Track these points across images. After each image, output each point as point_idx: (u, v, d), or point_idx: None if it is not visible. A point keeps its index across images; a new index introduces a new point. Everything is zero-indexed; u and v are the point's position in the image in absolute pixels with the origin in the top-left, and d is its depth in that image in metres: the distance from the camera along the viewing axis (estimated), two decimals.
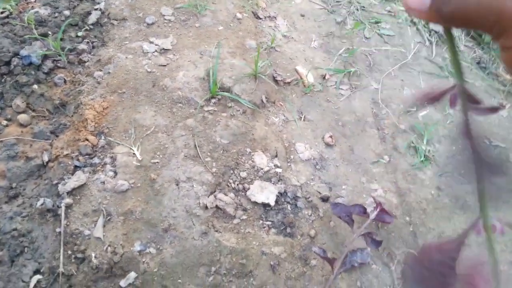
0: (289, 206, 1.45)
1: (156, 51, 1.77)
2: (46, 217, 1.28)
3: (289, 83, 1.84)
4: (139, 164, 1.39)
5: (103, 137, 1.46)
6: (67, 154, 1.40)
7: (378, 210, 1.40)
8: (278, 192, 1.45)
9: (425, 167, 1.69)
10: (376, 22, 2.28)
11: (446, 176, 1.68)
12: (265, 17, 2.15)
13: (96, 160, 1.40)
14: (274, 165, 1.52)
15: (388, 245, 1.46)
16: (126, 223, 1.28)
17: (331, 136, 1.69)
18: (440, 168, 1.70)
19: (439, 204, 1.59)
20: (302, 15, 2.23)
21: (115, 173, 1.37)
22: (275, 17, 2.17)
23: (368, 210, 1.41)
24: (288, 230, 1.39)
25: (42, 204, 1.29)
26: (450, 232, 1.52)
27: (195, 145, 1.47)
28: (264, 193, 1.42)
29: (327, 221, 1.45)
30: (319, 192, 1.51)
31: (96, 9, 1.93)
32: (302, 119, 1.74)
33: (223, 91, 1.64)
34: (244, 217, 1.37)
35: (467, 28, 0.33)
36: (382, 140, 1.74)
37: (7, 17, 1.84)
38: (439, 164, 1.71)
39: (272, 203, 1.41)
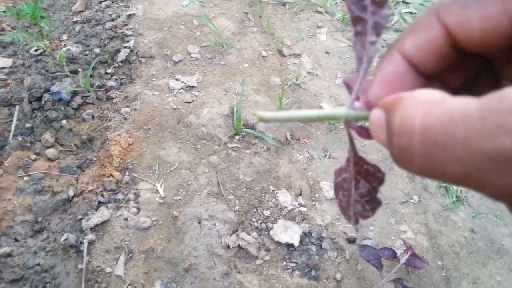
0: (314, 247, 1.40)
1: (182, 88, 1.80)
2: (69, 253, 1.28)
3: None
4: (162, 201, 1.38)
5: (127, 173, 1.46)
6: (92, 189, 1.41)
7: (409, 254, 1.34)
8: (303, 232, 1.41)
9: (457, 208, 1.62)
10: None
11: (480, 218, 1.60)
12: (290, 55, 2.17)
13: (120, 196, 1.40)
14: (299, 204, 1.49)
15: None
16: (147, 261, 1.25)
17: None
18: (473, 209, 1.63)
19: (473, 248, 1.51)
20: (327, 52, 2.24)
21: (138, 209, 1.36)
22: (299, 55, 2.18)
23: (398, 253, 1.34)
24: (313, 272, 1.34)
25: (65, 240, 1.29)
26: (485, 278, 1.43)
27: (218, 183, 1.46)
28: (288, 233, 1.38)
29: (354, 264, 1.39)
30: (345, 233, 1.46)
31: (125, 47, 1.99)
32: (327, 156, 1.71)
33: (247, 128, 1.64)
34: (267, 257, 1.33)
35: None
36: (411, 179, 1.69)
37: (40, 54, 1.91)
38: (472, 205, 1.64)
39: (296, 244, 1.37)
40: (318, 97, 1.96)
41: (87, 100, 1.73)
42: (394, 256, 1.32)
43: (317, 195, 1.56)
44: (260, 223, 1.40)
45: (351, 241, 1.45)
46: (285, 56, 2.16)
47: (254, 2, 2.41)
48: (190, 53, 1.97)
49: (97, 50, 1.95)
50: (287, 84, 1.95)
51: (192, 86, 1.82)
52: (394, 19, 2.52)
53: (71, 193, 1.40)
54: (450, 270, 1.44)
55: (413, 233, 1.50)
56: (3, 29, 2.04)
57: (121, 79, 1.87)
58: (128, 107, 1.70)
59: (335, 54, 2.25)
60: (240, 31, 2.17)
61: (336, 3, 2.59)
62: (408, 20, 2.53)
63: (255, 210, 1.43)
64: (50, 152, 1.54)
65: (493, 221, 1.59)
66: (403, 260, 1.32)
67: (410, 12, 2.60)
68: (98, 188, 1.41)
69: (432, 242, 1.50)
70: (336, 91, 2.03)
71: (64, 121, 1.63)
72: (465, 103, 0.21)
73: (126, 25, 2.13)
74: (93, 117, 1.68)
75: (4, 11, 1.98)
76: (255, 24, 2.26)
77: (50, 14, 2.19)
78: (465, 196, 1.65)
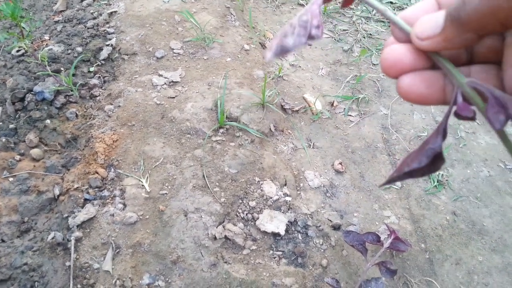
0: (299, 235, 1.42)
1: (165, 83, 1.81)
2: (56, 251, 1.29)
3: (297, 111, 1.85)
4: (147, 195, 1.39)
5: (112, 170, 1.47)
6: (77, 187, 1.42)
7: (392, 238, 1.36)
8: (288, 221, 1.43)
9: (439, 192, 1.65)
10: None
11: (461, 201, 1.64)
12: None
13: (105, 193, 1.41)
14: (284, 194, 1.51)
15: (404, 274, 1.41)
16: (135, 255, 1.27)
17: (341, 163, 1.67)
18: (455, 193, 1.66)
19: (455, 230, 1.55)
20: (309, 44, 2.26)
21: (124, 205, 1.37)
22: None
23: (382, 238, 1.37)
24: (299, 260, 1.36)
25: (52, 238, 1.29)
26: (467, 258, 1.47)
27: (203, 175, 1.47)
28: (273, 222, 1.41)
29: (339, 250, 1.42)
30: (330, 220, 1.49)
31: (107, 45, 1.98)
32: (311, 146, 1.73)
33: (231, 121, 1.66)
34: (254, 247, 1.35)
35: (485, 32, 0.32)
36: (393, 166, 1.72)
37: (22, 55, 1.91)
38: (453, 188, 1.67)
39: (282, 233, 1.39)
40: (301, 88, 1.98)
41: (71, 99, 1.74)
42: (378, 240, 1.35)
43: (301, 184, 1.58)
44: (246, 213, 1.42)
45: (336, 228, 1.47)
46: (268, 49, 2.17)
47: None
48: (173, 49, 1.97)
49: (79, 49, 1.95)
50: (270, 77, 1.96)
51: (176, 82, 1.83)
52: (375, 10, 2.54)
53: (56, 192, 1.41)
54: (433, 252, 1.47)
55: (397, 218, 1.53)
56: None
57: (104, 77, 1.87)
58: (111, 104, 1.71)
59: (318, 46, 2.27)
60: (222, 25, 2.17)
61: None
62: (390, 9, 2.55)
63: (240, 201, 1.45)
64: (35, 152, 1.54)
65: (474, 203, 1.63)
66: (386, 244, 1.35)
67: (391, 2, 2.63)
68: (83, 186, 1.42)
69: (415, 226, 1.53)
70: (319, 82, 2.05)
71: (48, 121, 1.63)
72: None
73: (108, 23, 2.13)
74: (76, 115, 1.68)
75: None
76: (237, 18, 2.27)
77: (31, 14, 2.18)
78: (447, 180, 1.68)
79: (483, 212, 1.61)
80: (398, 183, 1.65)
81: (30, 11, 2.22)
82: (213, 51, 2.00)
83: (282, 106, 1.84)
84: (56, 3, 2.24)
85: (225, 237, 1.34)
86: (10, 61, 1.86)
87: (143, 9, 2.16)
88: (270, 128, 1.71)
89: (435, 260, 1.45)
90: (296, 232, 1.43)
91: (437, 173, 1.69)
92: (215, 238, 1.33)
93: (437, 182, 1.67)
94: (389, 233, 1.39)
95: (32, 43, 1.95)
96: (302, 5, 2.51)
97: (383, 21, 2.50)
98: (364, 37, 2.36)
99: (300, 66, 2.12)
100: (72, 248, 1.26)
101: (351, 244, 1.34)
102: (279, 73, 2.00)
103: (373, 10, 2.55)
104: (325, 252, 1.40)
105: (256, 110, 1.73)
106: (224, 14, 2.25)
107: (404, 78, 0.36)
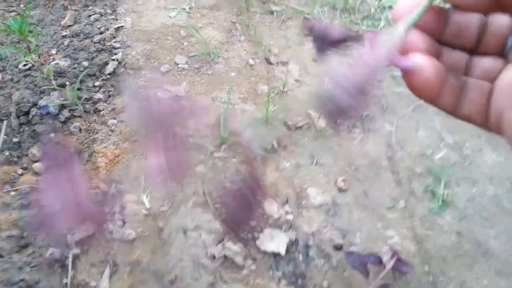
0: (300, 255, 1.40)
1: (170, 98, 1.81)
2: (53, 268, 1.28)
3: (300, 127, 1.84)
4: (147, 212, 1.39)
5: (113, 185, 1.47)
6: None
7: (394, 259, 1.34)
8: (289, 240, 1.42)
9: (443, 211, 1.62)
10: (389, 65, 2.28)
11: (467, 221, 1.60)
12: (277, 63, 2.18)
13: (105, 209, 1.40)
14: (285, 212, 1.49)
15: None
16: (133, 274, 1.26)
17: (344, 181, 1.65)
18: (460, 212, 1.63)
19: (459, 251, 1.51)
20: (314, 60, 2.26)
21: (124, 222, 1.36)
22: (287, 62, 2.20)
23: (384, 259, 1.35)
24: (300, 281, 1.34)
25: (50, 254, 1.29)
26: (472, 281, 1.44)
27: (204, 192, 1.46)
28: (274, 241, 1.39)
29: (341, 271, 1.40)
30: (332, 240, 1.46)
31: (113, 60, 2.00)
32: (314, 163, 1.72)
33: (234, 137, 1.65)
34: (253, 267, 1.33)
35: None
36: (398, 184, 1.69)
37: (29, 69, 1.93)
38: (459, 208, 1.64)
39: (283, 253, 1.37)
40: (306, 104, 1.97)
41: (75, 113, 1.75)
42: (380, 262, 1.32)
43: (303, 202, 1.56)
44: (246, 233, 1.41)
45: (338, 248, 1.45)
46: (273, 64, 2.17)
47: (242, 12, 2.42)
48: (178, 64, 1.98)
49: (85, 63, 1.96)
50: (274, 92, 1.96)
51: (180, 96, 1.82)
52: (381, 24, 2.53)
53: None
54: (437, 274, 1.44)
55: (400, 238, 1.51)
56: None
57: (109, 91, 1.88)
58: (115, 118, 1.71)
59: (323, 61, 2.27)
60: (228, 40, 2.18)
61: (324, 10, 2.60)
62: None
63: None
64: (37, 166, 1.55)
65: (480, 223, 1.60)
66: (389, 266, 1.33)
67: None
68: None
69: (419, 246, 1.50)
70: None
71: (52, 135, 1.64)
72: None
73: (114, 37, 2.15)
74: (80, 130, 1.69)
75: None
76: (243, 33, 2.28)
77: (39, 29, 2.21)
78: (452, 199, 1.65)
79: (489, 233, 1.58)
80: (402, 202, 1.63)
81: (39, 25, 2.25)
82: (218, 66, 2.01)
83: (285, 122, 1.83)
84: (64, 18, 2.27)
85: (224, 256, 1.33)
86: (17, 75, 1.88)
87: (149, 24, 2.18)
88: (272, 144, 1.70)
89: (439, 283, 1.42)
90: (297, 252, 1.41)
91: (442, 191, 1.66)
92: (214, 257, 1.31)
93: (442, 201, 1.64)
94: (391, 254, 1.37)
95: (39, 57, 1.97)
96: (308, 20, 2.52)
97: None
98: None
99: (305, 81, 2.11)
100: (70, 265, 1.26)
101: (353, 266, 1.32)
102: (283, 88, 1.99)
103: (379, 24, 2.54)
104: (326, 273, 1.38)
105: (259, 126, 1.72)
106: (230, 29, 2.26)
107: (419, 57, 0.37)
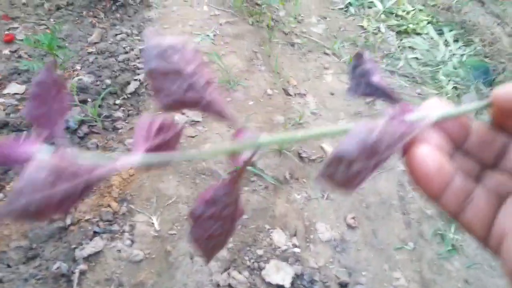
0: None
1: (186, 122, 1.84)
2: (59, 282, 1.29)
3: (314, 160, 1.85)
4: (156, 234, 1.39)
5: (125, 204, 1.49)
6: (88, 218, 1.43)
7: None
8: (295, 274, 1.41)
9: (452, 257, 1.60)
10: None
11: (475, 268, 1.58)
12: (295, 94, 2.22)
13: (115, 227, 1.41)
14: (293, 245, 1.49)
15: None
16: None
17: (353, 218, 1.65)
18: (469, 259, 1.61)
19: None
20: (332, 94, 2.29)
21: (132, 241, 1.37)
22: (305, 94, 2.23)
23: None
24: None
25: (57, 268, 1.30)
26: None
27: None
28: (279, 274, 1.38)
29: None
30: (338, 277, 1.45)
31: (135, 80, 2.05)
32: (325, 197, 1.72)
33: (247, 165, 1.66)
34: None
35: None
36: (407, 225, 1.68)
37: None
38: (468, 254, 1.62)
39: (287, 286, 1.36)
40: (321, 137, 1.98)
41: (94, 130, 1.78)
42: None
43: (312, 236, 1.56)
44: (253, 262, 1.41)
45: (343, 286, 1.43)
46: (291, 95, 2.20)
47: (264, 42, 2.48)
48: None
49: (108, 81, 2.01)
50: (290, 123, 1.98)
51: (197, 121, 1.86)
52: (400, 64, 2.57)
53: (68, 221, 1.43)
54: None
55: (406, 281, 1.49)
56: (20, 56, 2.13)
57: (129, 110, 1.92)
58: (132, 138, 1.75)
59: (340, 96, 2.29)
60: (248, 69, 2.23)
61: (344, 46, 2.65)
62: (414, 66, 2.57)
63: (248, 248, 1.44)
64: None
65: (488, 272, 1.57)
66: None
67: (416, 58, 2.65)
68: (94, 218, 1.43)
69: None
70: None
71: (69, 150, 1.68)
72: None
73: (138, 58, 2.21)
74: (97, 146, 1.72)
75: (22, 40, 2.07)
76: (264, 63, 2.33)
77: (67, 44, 2.28)
78: (461, 245, 1.63)
79: (497, 282, 1.55)
80: (411, 244, 1.61)
81: (66, 40, 2.32)
82: (237, 94, 2.04)
83: (299, 154, 1.84)
84: (91, 35, 2.34)
85: (229, 285, 1.32)
86: None
87: None
88: (285, 176, 1.71)
89: None
90: (301, 286, 1.40)
91: (451, 236, 1.64)
92: (218, 285, 1.31)
93: (451, 246, 1.62)
94: None
95: (64, 71, 2.03)
96: (328, 55, 2.56)
97: (407, 76, 2.52)
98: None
99: (321, 115, 2.13)
100: (76, 280, 1.26)
101: None
102: (299, 120, 2.02)
103: (398, 64, 2.57)
104: None
105: (273, 156, 1.74)
106: (251, 58, 2.31)
107: (424, 147, 0.35)
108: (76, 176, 0.28)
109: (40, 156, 0.27)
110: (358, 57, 0.37)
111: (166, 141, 0.38)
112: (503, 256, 0.31)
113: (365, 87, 0.37)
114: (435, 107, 0.35)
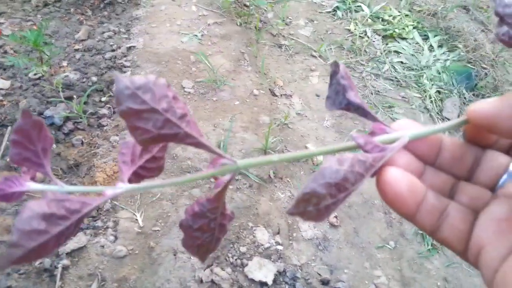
0: (287, 286, 1.41)
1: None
2: (42, 277, 1.28)
3: (298, 160, 1.87)
4: (140, 230, 1.40)
5: (109, 201, 1.49)
6: None
7: None
8: (277, 271, 1.42)
9: (432, 256, 1.64)
10: (390, 107, 2.34)
11: (454, 267, 1.62)
12: (281, 95, 2.24)
13: (99, 223, 1.42)
14: (276, 242, 1.51)
15: None
16: None
17: (336, 217, 1.67)
18: (448, 258, 1.65)
19: None
20: (317, 95, 2.32)
21: (116, 237, 1.38)
22: (290, 95, 2.25)
23: None
24: None
25: (40, 263, 1.30)
26: None
27: None
28: (262, 270, 1.40)
29: None
30: (320, 274, 1.47)
31: None
32: None
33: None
34: None
35: None
36: (389, 224, 1.71)
37: (39, 78, 1.97)
38: (447, 253, 1.66)
39: (270, 282, 1.38)
40: (305, 138, 2.01)
41: (79, 126, 1.78)
42: None
43: (294, 234, 1.58)
44: (236, 259, 1.42)
45: (325, 283, 1.46)
46: (276, 96, 2.22)
47: (252, 43, 2.50)
48: (184, 87, 2.04)
49: (94, 79, 2.01)
50: (275, 124, 2.00)
51: None
52: (385, 67, 2.61)
53: None
54: None
55: (387, 279, 1.52)
56: (5, 52, 2.11)
57: (114, 108, 1.92)
58: (117, 135, 1.75)
59: (325, 97, 2.32)
60: (235, 69, 2.24)
61: (331, 48, 2.69)
62: (398, 70, 2.62)
63: (231, 245, 1.45)
64: (36, 174, 1.57)
65: (466, 271, 1.61)
66: None
67: (401, 62, 2.70)
68: None
69: None
70: (322, 133, 2.08)
71: (54, 145, 1.67)
72: None
73: (125, 56, 2.21)
74: (82, 143, 1.72)
75: (8, 36, 2.06)
76: (250, 63, 2.35)
77: (53, 40, 2.27)
78: (441, 245, 1.67)
79: (475, 281, 1.59)
80: (392, 243, 1.65)
81: (53, 37, 2.31)
82: (223, 93, 2.06)
83: (283, 153, 1.86)
84: (78, 32, 2.34)
85: (212, 281, 1.34)
86: (26, 83, 1.93)
87: (160, 47, 2.25)
88: (269, 175, 1.73)
89: None
90: (284, 283, 1.41)
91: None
92: (201, 281, 1.32)
93: (431, 246, 1.66)
94: None
95: (50, 68, 2.02)
96: (315, 57, 2.59)
97: (391, 79, 2.56)
98: (371, 94, 2.41)
99: (306, 116, 2.16)
100: (58, 276, 1.26)
101: None
102: (284, 121, 2.04)
103: (383, 68, 2.61)
104: None
105: (258, 156, 1.75)
106: (238, 59, 2.32)
107: (393, 169, 0.35)
108: (65, 219, 0.31)
109: (29, 205, 0.29)
110: (335, 65, 0.38)
111: (151, 160, 0.40)
112: (481, 268, 0.32)
113: (341, 101, 0.39)
114: (407, 128, 0.36)
